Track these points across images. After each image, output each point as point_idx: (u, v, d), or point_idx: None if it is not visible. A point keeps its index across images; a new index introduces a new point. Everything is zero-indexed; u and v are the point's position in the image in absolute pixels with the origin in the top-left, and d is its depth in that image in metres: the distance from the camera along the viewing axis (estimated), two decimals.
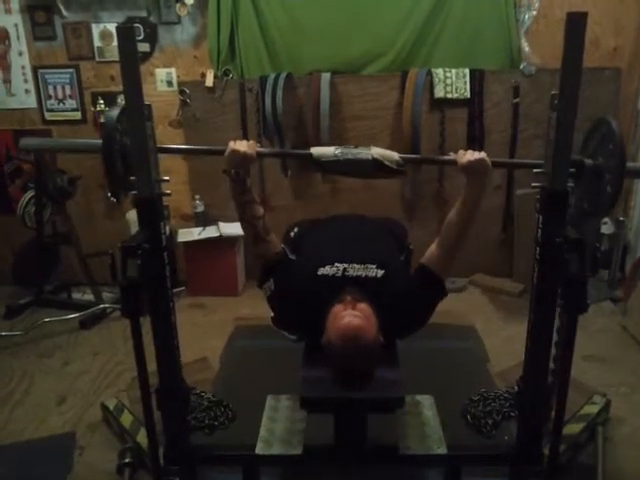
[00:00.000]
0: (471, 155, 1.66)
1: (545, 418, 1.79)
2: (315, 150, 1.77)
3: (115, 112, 1.58)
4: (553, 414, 1.64)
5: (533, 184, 1.62)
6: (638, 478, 2.00)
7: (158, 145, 1.67)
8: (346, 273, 1.74)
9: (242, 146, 1.67)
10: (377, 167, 1.73)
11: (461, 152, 1.70)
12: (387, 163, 1.73)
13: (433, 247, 1.78)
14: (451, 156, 1.73)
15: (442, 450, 1.76)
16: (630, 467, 2.04)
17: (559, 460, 1.74)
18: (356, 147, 1.75)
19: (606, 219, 3.50)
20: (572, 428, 2.07)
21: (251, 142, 1.71)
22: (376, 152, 1.73)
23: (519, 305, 3.32)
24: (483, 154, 1.66)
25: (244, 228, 1.81)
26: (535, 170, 1.60)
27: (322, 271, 1.75)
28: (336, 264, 1.75)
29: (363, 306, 1.62)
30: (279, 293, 1.77)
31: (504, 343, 2.92)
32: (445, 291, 1.77)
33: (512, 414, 2.24)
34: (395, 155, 1.75)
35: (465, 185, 1.71)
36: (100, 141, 1.55)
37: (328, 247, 1.89)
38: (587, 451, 2.07)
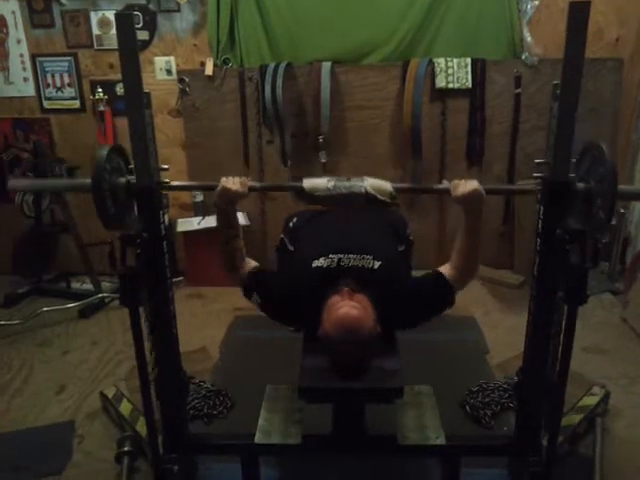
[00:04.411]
0: (464, 187, 1.62)
1: (544, 409, 1.79)
2: (307, 183, 1.73)
3: (104, 152, 1.57)
4: (552, 405, 1.65)
5: (535, 174, 1.61)
6: (636, 469, 2.01)
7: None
8: (341, 264, 1.73)
9: (234, 184, 1.67)
10: (370, 201, 1.72)
11: (455, 182, 1.66)
12: (380, 197, 1.71)
13: (446, 266, 1.77)
14: (445, 185, 1.70)
15: (441, 440, 1.76)
16: (628, 458, 2.05)
17: (557, 451, 1.74)
18: (349, 179, 1.73)
19: None
20: (571, 419, 2.07)
21: (242, 179, 1.71)
22: (369, 185, 1.71)
23: (519, 296, 3.32)
24: (475, 184, 1.62)
25: (223, 256, 1.82)
26: (537, 160, 1.59)
27: (316, 263, 1.75)
28: (330, 255, 1.74)
29: (360, 297, 1.61)
30: (266, 301, 1.79)
31: (504, 334, 2.92)
32: (454, 302, 1.75)
33: (511, 405, 2.25)
34: (388, 186, 1.72)
35: (463, 214, 1.69)
36: (89, 180, 1.55)
37: (323, 238, 1.89)
38: (585, 442, 2.07)
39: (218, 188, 1.68)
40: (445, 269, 1.76)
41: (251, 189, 1.72)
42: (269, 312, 1.82)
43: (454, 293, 1.74)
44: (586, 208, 1.53)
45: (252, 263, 1.85)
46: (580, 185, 1.53)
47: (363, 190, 1.70)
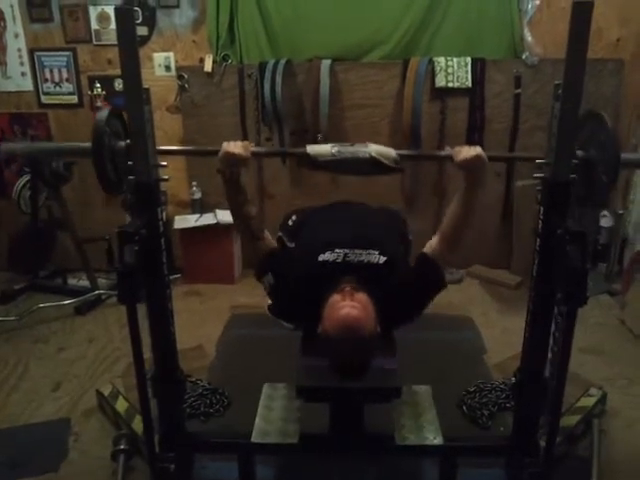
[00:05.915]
0: (467, 152, 1.61)
1: (542, 410, 1.79)
2: (311, 148, 1.72)
3: (104, 114, 1.54)
4: (550, 406, 1.64)
5: (535, 175, 1.60)
6: (634, 470, 2.01)
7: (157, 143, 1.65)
8: (347, 259, 1.70)
9: (236, 147, 1.63)
10: (375, 165, 1.70)
11: (457, 148, 1.65)
12: (385, 161, 1.70)
13: (434, 239, 1.74)
14: (447, 151, 1.69)
15: (438, 441, 1.76)
16: (625, 460, 2.05)
17: (555, 452, 1.73)
18: (352, 145, 1.72)
19: (605, 212, 3.49)
20: (568, 420, 2.07)
21: (245, 143, 1.67)
22: (373, 150, 1.70)
23: (517, 297, 3.31)
24: (479, 150, 1.61)
25: (238, 227, 1.80)
26: (537, 161, 1.59)
27: (322, 257, 1.71)
28: (337, 250, 1.71)
29: (361, 296, 1.59)
30: (279, 284, 1.73)
31: (501, 335, 2.92)
32: (444, 282, 1.74)
33: (508, 405, 2.25)
34: (392, 152, 1.72)
35: (463, 179, 1.67)
36: (89, 144, 1.51)
37: (328, 232, 1.85)
38: (583, 443, 2.07)
39: (220, 153, 1.63)
40: (431, 244, 1.74)
41: (254, 154, 1.69)
42: (276, 297, 1.78)
43: (442, 272, 1.72)
44: (587, 176, 1.53)
45: (272, 242, 1.81)
46: (580, 153, 1.54)
47: (368, 155, 1.69)
